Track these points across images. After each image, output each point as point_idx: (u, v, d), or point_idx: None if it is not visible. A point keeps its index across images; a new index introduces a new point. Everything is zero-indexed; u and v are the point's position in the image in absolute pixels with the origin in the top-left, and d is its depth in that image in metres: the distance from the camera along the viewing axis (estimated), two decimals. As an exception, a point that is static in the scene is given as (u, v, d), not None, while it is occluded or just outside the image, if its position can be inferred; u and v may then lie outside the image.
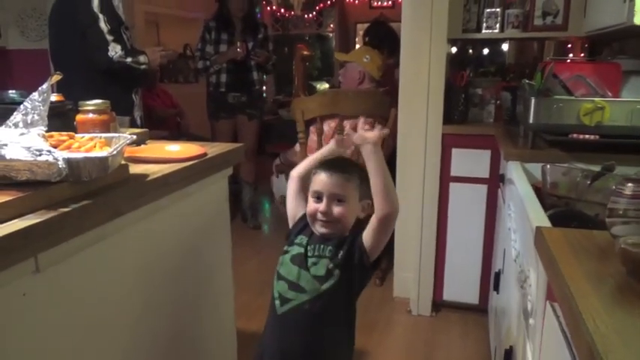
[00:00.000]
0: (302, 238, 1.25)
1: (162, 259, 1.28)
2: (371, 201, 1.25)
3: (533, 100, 1.62)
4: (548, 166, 1.37)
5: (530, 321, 1.03)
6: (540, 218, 1.04)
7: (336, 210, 1.19)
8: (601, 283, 0.67)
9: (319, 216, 1.20)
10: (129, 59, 2.30)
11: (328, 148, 1.33)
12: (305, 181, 1.31)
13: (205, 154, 1.42)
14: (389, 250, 2.62)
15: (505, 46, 4.29)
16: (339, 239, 1.21)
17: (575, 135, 1.59)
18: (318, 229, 1.22)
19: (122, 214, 1.07)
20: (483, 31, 2.31)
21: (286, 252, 1.27)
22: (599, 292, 0.64)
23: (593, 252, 0.79)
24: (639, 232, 0.75)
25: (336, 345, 1.24)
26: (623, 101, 1.58)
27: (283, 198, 3.01)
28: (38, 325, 0.89)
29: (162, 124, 3.94)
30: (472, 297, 2.45)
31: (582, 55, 2.89)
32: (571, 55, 3.06)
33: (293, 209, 1.34)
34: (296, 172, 1.34)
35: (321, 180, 1.21)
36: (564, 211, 1.28)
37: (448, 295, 2.50)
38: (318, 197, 1.21)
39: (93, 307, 1.03)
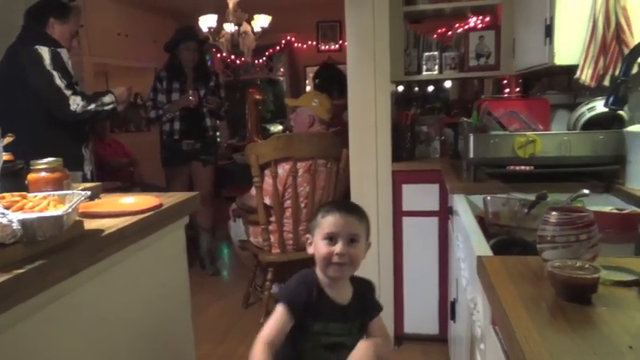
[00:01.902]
0: (334, 325, 1.22)
1: (121, 312, 1.27)
2: (370, 242, 1.30)
3: (471, 137, 1.73)
4: (489, 197, 1.46)
5: (481, 346, 1.09)
6: (482, 247, 1.12)
7: (352, 251, 1.19)
8: (534, 306, 0.73)
9: (335, 259, 1.18)
10: (92, 106, 2.32)
11: None
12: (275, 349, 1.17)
13: (161, 205, 1.43)
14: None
15: (448, 84, 4.55)
16: (362, 308, 1.25)
17: (511, 167, 1.70)
18: (332, 273, 1.20)
19: (79, 270, 1.07)
20: (424, 72, 2.47)
21: (311, 341, 1.22)
22: (532, 314, 0.70)
23: (527, 277, 0.86)
24: (566, 256, 0.83)
25: None
26: (552, 134, 1.72)
27: (241, 242, 3.03)
28: (-6, 391, 0.87)
29: (115, 175, 3.89)
30: (432, 328, 2.50)
31: (517, 89, 3.11)
32: (507, 90, 3.29)
33: None
34: (265, 339, 1.17)
35: (336, 221, 1.19)
36: (506, 239, 1.36)
37: (409, 327, 2.54)
38: (331, 239, 1.19)
39: (50, 369, 1.02)
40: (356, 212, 1.23)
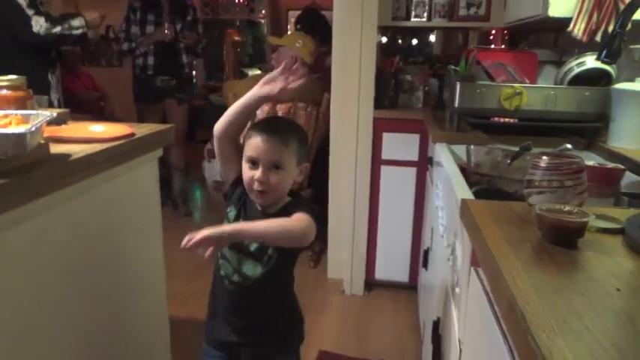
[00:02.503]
0: (235, 213, 1.19)
1: (88, 244, 1.23)
2: (309, 164, 1.22)
3: (458, 85, 1.69)
4: (472, 146, 1.44)
5: (457, 290, 1.09)
6: (465, 193, 1.10)
7: (274, 178, 1.10)
8: (520, 247, 0.72)
9: (256, 185, 1.11)
10: (57, 28, 2.15)
11: (252, 92, 1.18)
12: (231, 137, 1.19)
13: (133, 134, 1.37)
14: (322, 232, 2.65)
15: (432, 38, 4.45)
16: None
17: (496, 118, 1.68)
18: (255, 199, 1.15)
19: (42, 195, 1.02)
20: (412, 19, 2.38)
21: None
22: (518, 253, 0.69)
23: (512, 220, 0.84)
24: (552, 200, 0.82)
25: (284, 312, 1.28)
26: (539, 87, 1.69)
27: (216, 183, 2.98)
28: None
29: (85, 108, 3.74)
30: (403, 275, 2.54)
31: (503, 46, 3.06)
32: (493, 45, 3.24)
33: (224, 174, 1.26)
34: (218, 130, 1.19)
35: (257, 145, 1.10)
36: (486, 188, 1.35)
37: (380, 274, 2.58)
38: (253, 163, 1.11)
39: (9, 297, 0.97)
40: (281, 135, 1.11)
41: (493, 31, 3.09)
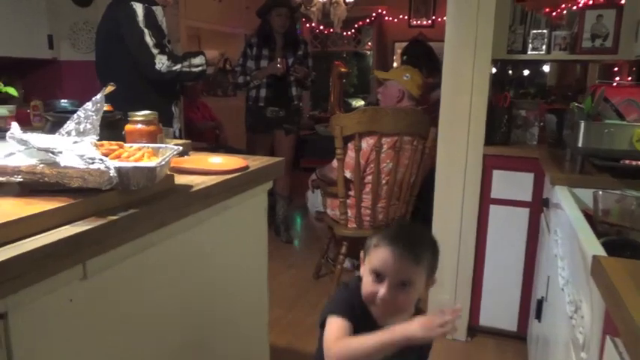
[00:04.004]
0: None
1: (202, 269, 1.29)
2: (436, 279, 1.09)
3: (582, 124, 1.57)
4: (601, 192, 1.32)
5: (583, 355, 0.98)
6: (595, 246, 1.00)
7: (400, 298, 1.00)
8: (670, 320, 0.63)
9: (378, 302, 1.01)
10: (177, 66, 2.35)
11: (396, 332, 0.95)
12: None
13: (247, 167, 1.43)
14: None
15: (546, 68, 4.21)
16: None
17: (627, 161, 1.53)
18: (374, 313, 1.04)
19: (167, 224, 1.08)
20: (529, 52, 2.27)
21: None
22: (668, 329, 0.60)
23: (657, 285, 0.74)
24: None
25: None
26: (680, 127, 1.52)
27: (318, 213, 3.02)
28: (83, 330, 0.90)
29: (201, 136, 4.01)
30: (510, 323, 2.37)
31: (629, 79, 2.80)
32: (617, 78, 2.98)
33: None
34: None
35: (386, 259, 1.00)
36: (616, 239, 1.23)
37: (485, 320, 2.42)
38: (378, 276, 1.01)
39: (135, 315, 1.04)
40: (415, 252, 1.01)
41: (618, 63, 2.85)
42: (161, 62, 2.32)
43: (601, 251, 0.96)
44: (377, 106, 2.86)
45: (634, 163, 1.52)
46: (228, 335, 1.47)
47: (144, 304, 1.07)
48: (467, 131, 2.28)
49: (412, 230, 1.11)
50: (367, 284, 1.03)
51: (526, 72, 4.22)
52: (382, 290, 1.00)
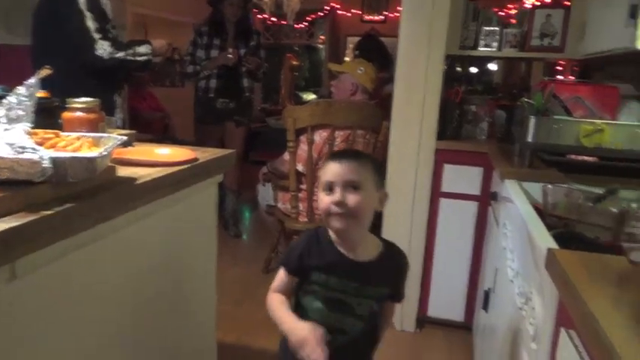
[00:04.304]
0: (334, 280, 1.12)
1: (146, 268, 1.22)
2: (386, 191, 1.18)
3: (532, 119, 1.60)
4: (550, 186, 1.34)
5: (533, 345, 0.99)
6: (547, 240, 1.01)
7: (352, 198, 1.06)
8: (629, 312, 0.63)
9: (333, 208, 1.07)
10: (121, 54, 2.22)
11: (288, 326, 1.10)
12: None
13: (196, 159, 1.36)
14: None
15: (493, 66, 4.32)
16: (386, 277, 1.16)
17: (573, 156, 1.57)
18: (333, 224, 1.09)
19: (109, 218, 1.01)
20: (481, 48, 2.31)
21: (312, 293, 1.14)
22: (629, 322, 0.60)
23: (609, 277, 0.75)
24: (659, 259, 0.72)
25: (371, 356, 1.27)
26: (623, 124, 1.57)
27: (269, 207, 2.97)
28: (13, 334, 0.82)
29: (148, 128, 3.86)
30: (457, 314, 2.41)
31: (572, 77, 2.91)
32: (560, 77, 3.09)
33: None
34: (273, 290, 1.20)
35: (332, 169, 1.09)
36: (564, 232, 1.25)
37: (433, 311, 2.46)
38: (330, 188, 1.09)
39: (73, 316, 0.96)
40: (356, 158, 1.11)
41: (561, 62, 2.96)
42: (103, 48, 2.18)
43: (553, 244, 0.97)
44: (329, 98, 2.84)
45: (579, 158, 1.57)
46: (176, 333, 1.40)
47: (83, 304, 0.99)
48: (420, 126, 2.29)
49: (351, 148, 1.24)
50: (322, 201, 1.11)
51: (474, 70, 4.32)
52: (335, 195, 1.07)
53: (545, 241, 1.01)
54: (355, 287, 1.12)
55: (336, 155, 1.15)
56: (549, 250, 0.85)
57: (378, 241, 1.18)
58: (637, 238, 0.75)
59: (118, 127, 2.31)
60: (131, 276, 1.15)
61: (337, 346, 1.09)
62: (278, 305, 1.15)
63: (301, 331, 1.06)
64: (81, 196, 0.93)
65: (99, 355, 1.06)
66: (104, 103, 1.38)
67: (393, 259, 1.18)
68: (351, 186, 1.07)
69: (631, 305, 0.65)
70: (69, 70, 2.18)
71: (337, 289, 1.11)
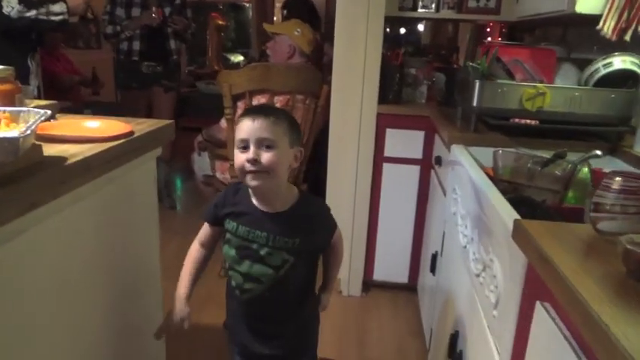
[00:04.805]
0: (243, 229, 1.17)
1: (85, 251, 1.10)
2: (303, 149, 1.21)
3: (477, 83, 1.60)
4: (500, 151, 1.36)
5: (495, 312, 1.00)
6: (508, 209, 1.01)
7: (266, 156, 1.07)
8: (604, 283, 0.63)
9: (247, 166, 1.08)
10: (32, 12, 1.96)
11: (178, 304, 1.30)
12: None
13: (132, 133, 1.23)
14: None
15: (420, 27, 4.34)
16: (301, 227, 1.16)
17: (517, 120, 1.60)
18: (249, 182, 1.10)
19: (38, 205, 0.89)
20: (419, 9, 2.28)
21: (227, 241, 1.21)
22: (606, 292, 0.60)
23: (578, 247, 0.76)
24: (626, 228, 0.73)
25: (304, 312, 1.28)
26: (563, 87, 1.61)
27: (206, 177, 2.84)
28: None
29: (66, 94, 3.54)
30: (402, 276, 2.47)
31: (499, 39, 2.97)
32: (489, 39, 3.15)
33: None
34: (197, 240, 1.34)
35: (246, 126, 1.08)
36: (514, 197, 1.27)
37: (378, 274, 2.50)
38: (244, 147, 1.09)
39: (7, 314, 0.84)
40: (269, 114, 1.10)
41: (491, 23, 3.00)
42: (10, 6, 1.92)
43: (515, 214, 0.97)
44: (262, 62, 2.71)
45: (523, 121, 1.59)
46: (122, 319, 1.30)
47: (17, 301, 0.87)
48: (361, 90, 2.25)
49: (266, 104, 1.28)
50: (237, 158, 1.10)
51: (402, 30, 4.31)
52: (249, 153, 1.07)
53: (505, 209, 1.01)
54: (265, 236, 1.15)
55: (250, 112, 1.12)
56: (516, 220, 0.85)
57: (297, 194, 1.19)
58: (603, 208, 0.75)
59: (35, 97, 2.08)
60: (69, 265, 1.03)
61: (255, 295, 1.19)
62: (187, 258, 1.29)
63: (179, 288, 1.27)
64: (4, 183, 0.80)
65: (35, 355, 0.95)
66: (17, 69, 1.20)
67: (306, 210, 1.18)
68: (265, 144, 1.08)
69: (608, 276, 0.65)
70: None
71: (247, 238, 1.16)
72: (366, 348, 2.11)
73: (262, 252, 1.16)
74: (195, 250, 1.30)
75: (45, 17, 2.02)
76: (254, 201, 1.17)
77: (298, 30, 2.53)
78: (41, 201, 0.90)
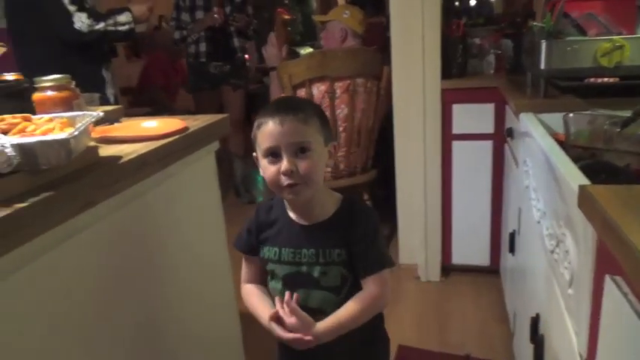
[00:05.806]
0: (287, 251, 0.98)
1: (146, 253, 1.14)
2: (336, 142, 1.04)
3: (544, 44, 1.46)
4: (571, 115, 1.23)
5: (570, 291, 0.91)
6: (575, 175, 0.91)
7: (303, 164, 0.90)
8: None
9: (284, 180, 0.90)
10: (101, 24, 2.09)
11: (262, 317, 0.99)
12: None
13: (187, 129, 1.26)
14: (391, 217, 2.50)
15: (492, -4, 4.08)
16: (337, 232, 0.95)
17: (592, 79, 1.44)
18: (287, 196, 0.94)
19: (94, 204, 0.92)
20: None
21: (271, 275, 1.01)
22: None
23: (656, 212, 0.66)
24: None
25: (377, 348, 1.07)
26: (645, 38, 1.43)
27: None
28: None
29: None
30: (482, 259, 2.35)
31: None
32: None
33: None
34: (243, 281, 1.09)
35: (272, 131, 0.89)
36: (591, 163, 1.15)
37: (457, 258, 2.40)
38: (274, 155, 0.91)
39: (65, 316, 0.89)
40: (298, 111, 0.90)
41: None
42: (80, 21, 2.05)
43: (584, 179, 0.87)
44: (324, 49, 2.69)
45: (599, 80, 1.44)
46: (193, 315, 1.34)
47: (75, 302, 0.91)
48: (422, 66, 2.15)
49: (289, 98, 1.05)
50: (267, 170, 0.93)
51: (472, 2, 4.10)
52: (283, 163, 0.90)
53: (573, 176, 0.91)
54: (313, 254, 0.95)
55: (273, 112, 0.91)
56: (581, 186, 0.75)
57: (338, 199, 1.00)
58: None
59: (110, 104, 2.21)
60: (129, 264, 1.07)
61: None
62: (247, 299, 1.05)
63: (263, 320, 0.96)
64: (59, 183, 0.84)
65: (109, 354, 1.00)
66: (91, 79, 1.28)
67: (349, 216, 0.97)
68: (300, 150, 0.90)
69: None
70: (49, 50, 2.07)
71: (293, 261, 0.97)
72: (447, 333, 2.03)
73: (315, 273, 0.95)
74: (248, 287, 1.06)
75: (113, 28, 2.14)
76: (291, 215, 1.00)
77: (347, 12, 2.48)
78: (96, 200, 0.94)
